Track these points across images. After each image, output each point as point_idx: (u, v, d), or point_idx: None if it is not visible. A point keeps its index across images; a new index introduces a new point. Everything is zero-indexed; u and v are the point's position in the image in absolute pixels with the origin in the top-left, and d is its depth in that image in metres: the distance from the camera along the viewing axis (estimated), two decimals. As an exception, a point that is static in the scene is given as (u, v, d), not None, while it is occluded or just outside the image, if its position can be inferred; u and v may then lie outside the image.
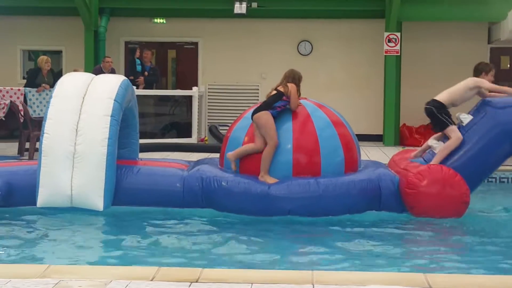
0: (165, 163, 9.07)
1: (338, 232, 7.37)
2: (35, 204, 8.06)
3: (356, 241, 6.85)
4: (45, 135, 8.05)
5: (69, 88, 8.38)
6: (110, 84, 8.47)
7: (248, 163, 8.33)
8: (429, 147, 8.70)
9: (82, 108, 8.17)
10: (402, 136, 16.83)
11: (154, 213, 8.10)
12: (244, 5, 16.68)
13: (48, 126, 8.07)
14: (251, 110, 8.62)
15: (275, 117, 8.19)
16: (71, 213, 7.97)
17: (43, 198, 8.02)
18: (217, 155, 9.43)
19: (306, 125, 8.41)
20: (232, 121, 17.31)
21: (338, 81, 17.85)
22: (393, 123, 16.61)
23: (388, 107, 16.64)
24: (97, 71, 14.01)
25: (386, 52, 16.53)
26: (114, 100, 8.22)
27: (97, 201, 7.97)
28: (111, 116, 8.12)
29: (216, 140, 17.10)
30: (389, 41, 16.43)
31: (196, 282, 4.52)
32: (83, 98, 8.25)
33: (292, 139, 8.26)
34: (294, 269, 5.52)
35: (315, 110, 8.59)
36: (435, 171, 8.01)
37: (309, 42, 17.98)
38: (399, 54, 16.57)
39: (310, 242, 6.88)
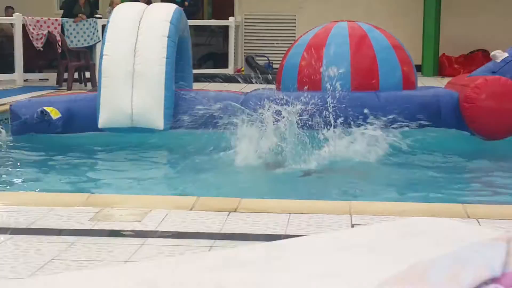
0: (220, 90, 9.16)
1: (377, 161, 7.33)
2: (94, 129, 8.17)
3: (396, 170, 6.83)
4: (104, 56, 8.16)
5: (125, 12, 8.55)
6: (165, 9, 8.63)
7: (305, 83, 8.37)
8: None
9: (139, 30, 8.28)
10: (442, 66, 16.58)
11: (201, 141, 8.08)
12: None
13: (107, 48, 8.19)
14: (305, 35, 8.68)
15: None
16: (115, 141, 8.05)
17: (104, 119, 8.13)
18: (256, 86, 9.40)
19: (363, 45, 8.43)
20: (268, 51, 17.34)
21: (375, 10, 17.49)
22: (432, 53, 16.34)
23: (427, 36, 16.36)
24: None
25: (426, -21, 16.16)
26: (170, 22, 8.31)
27: (158, 120, 8.06)
28: (168, 36, 8.20)
29: (253, 70, 17.02)
30: (430, -32, 16.04)
31: (235, 211, 4.56)
32: (139, 21, 8.36)
33: (349, 58, 8.28)
34: (332, 199, 5.55)
35: (371, 30, 8.63)
36: (492, 83, 7.89)
37: (347, -30, 17.64)
38: (440, -19, 16.20)
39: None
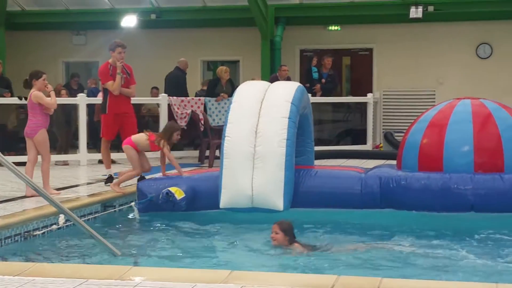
0: (341, 167, 9.13)
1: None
2: (216, 207, 8.31)
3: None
4: (226, 138, 8.32)
5: (247, 94, 8.66)
6: (287, 89, 8.68)
7: (426, 162, 8.30)
8: None
9: (261, 112, 8.40)
10: None
11: (330, 216, 8.09)
12: (420, 9, 16.38)
13: (229, 130, 8.35)
14: (428, 111, 8.58)
15: None
16: (250, 219, 8.14)
17: (225, 200, 8.28)
18: (394, 162, 9.34)
19: (487, 123, 8.21)
20: (407, 127, 17.16)
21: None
22: None
23: None
24: (274, 80, 14.22)
25: None
26: (291, 103, 8.38)
27: (277, 201, 8.10)
28: (289, 118, 8.27)
29: (392, 146, 16.88)
30: None
31: (376, 291, 4.47)
32: (261, 102, 8.48)
33: (472, 137, 8.10)
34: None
35: (497, 109, 8.41)
36: None
37: (488, 44, 17.34)
38: None
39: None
